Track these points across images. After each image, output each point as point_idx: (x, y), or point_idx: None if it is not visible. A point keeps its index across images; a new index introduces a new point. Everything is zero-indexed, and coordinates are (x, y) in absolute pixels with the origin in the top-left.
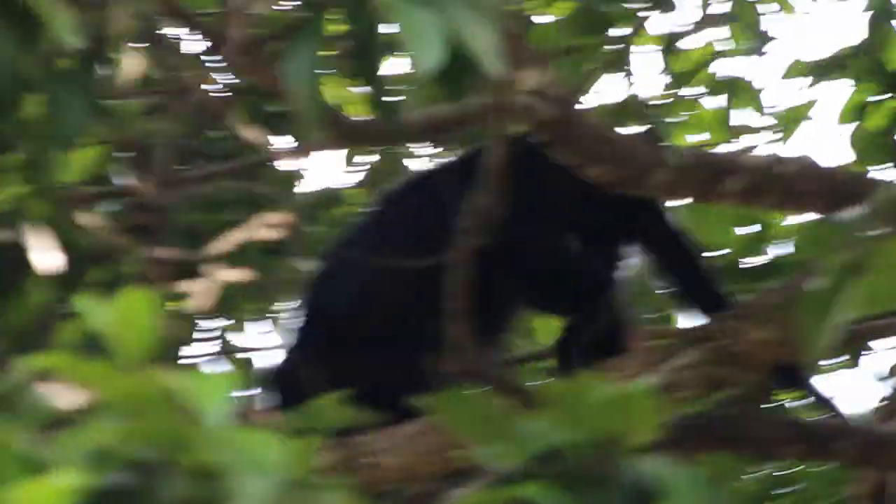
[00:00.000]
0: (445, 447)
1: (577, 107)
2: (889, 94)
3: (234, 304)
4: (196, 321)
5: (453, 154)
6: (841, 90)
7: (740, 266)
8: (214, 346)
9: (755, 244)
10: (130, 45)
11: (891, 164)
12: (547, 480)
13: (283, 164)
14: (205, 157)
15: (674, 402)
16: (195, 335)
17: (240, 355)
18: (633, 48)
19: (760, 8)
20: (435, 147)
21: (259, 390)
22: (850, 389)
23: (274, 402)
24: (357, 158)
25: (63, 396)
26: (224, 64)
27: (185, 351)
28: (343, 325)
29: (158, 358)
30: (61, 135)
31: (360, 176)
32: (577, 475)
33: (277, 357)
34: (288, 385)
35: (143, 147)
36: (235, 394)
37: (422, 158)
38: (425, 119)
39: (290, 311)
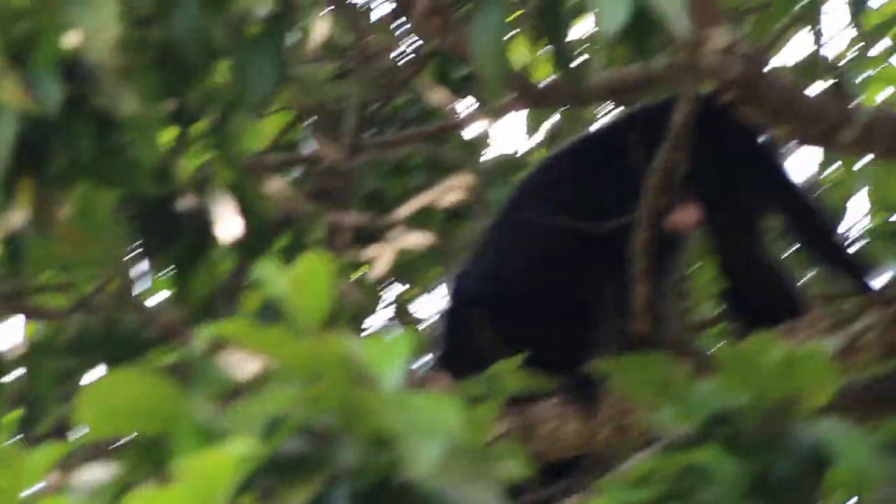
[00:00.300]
0: (622, 413)
1: (765, 65)
2: None
3: (417, 270)
4: (378, 288)
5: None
6: None
7: None
8: (393, 313)
9: None
10: (319, 10)
11: None
12: (720, 445)
13: (468, 129)
14: (391, 123)
15: (850, 366)
16: (378, 304)
17: (420, 323)
18: (822, 5)
19: None
20: (620, 108)
21: (430, 352)
22: None
23: (443, 359)
24: (541, 121)
25: (241, 365)
26: (411, 28)
27: (367, 320)
28: (516, 285)
29: (338, 325)
30: (248, 101)
31: (542, 139)
32: (750, 439)
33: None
34: (457, 344)
35: (330, 113)
36: (411, 359)
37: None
38: (610, 80)
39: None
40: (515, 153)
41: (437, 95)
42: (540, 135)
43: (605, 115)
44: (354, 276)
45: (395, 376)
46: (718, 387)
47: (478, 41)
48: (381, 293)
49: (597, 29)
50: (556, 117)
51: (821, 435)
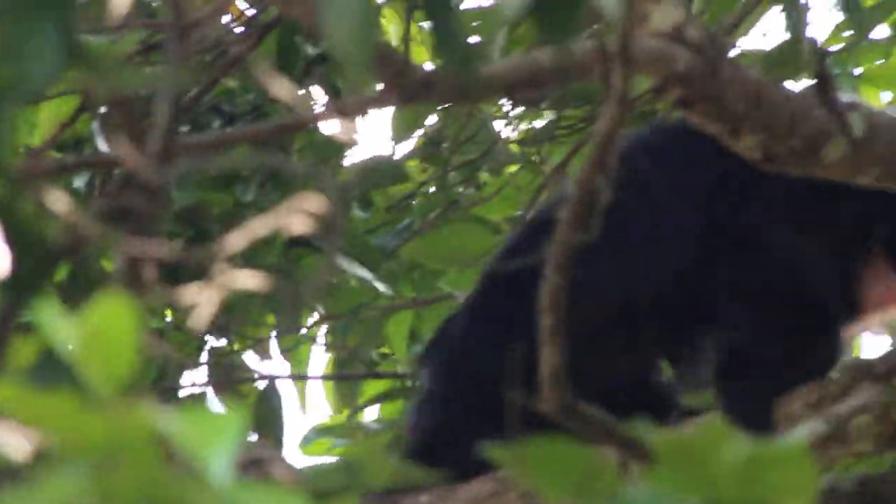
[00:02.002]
0: None
1: (723, 55)
2: None
3: (250, 318)
4: (201, 340)
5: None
6: None
7: None
8: (221, 374)
9: None
10: None
11: None
12: None
13: (323, 128)
14: (216, 117)
15: (834, 460)
16: (197, 359)
17: (254, 384)
18: None
19: None
20: (519, 106)
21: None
22: None
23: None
24: (414, 121)
25: (10, 441)
26: None
27: (183, 380)
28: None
29: (144, 390)
30: (24, 85)
31: (415, 143)
32: None
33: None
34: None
35: (131, 101)
36: (242, 438)
37: (503, 120)
38: (512, 70)
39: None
40: (389, 158)
41: (277, 84)
42: (411, 139)
43: (506, 115)
44: (161, 325)
45: (224, 462)
46: (659, 491)
47: (334, 9)
48: (199, 348)
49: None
50: (433, 117)
51: None
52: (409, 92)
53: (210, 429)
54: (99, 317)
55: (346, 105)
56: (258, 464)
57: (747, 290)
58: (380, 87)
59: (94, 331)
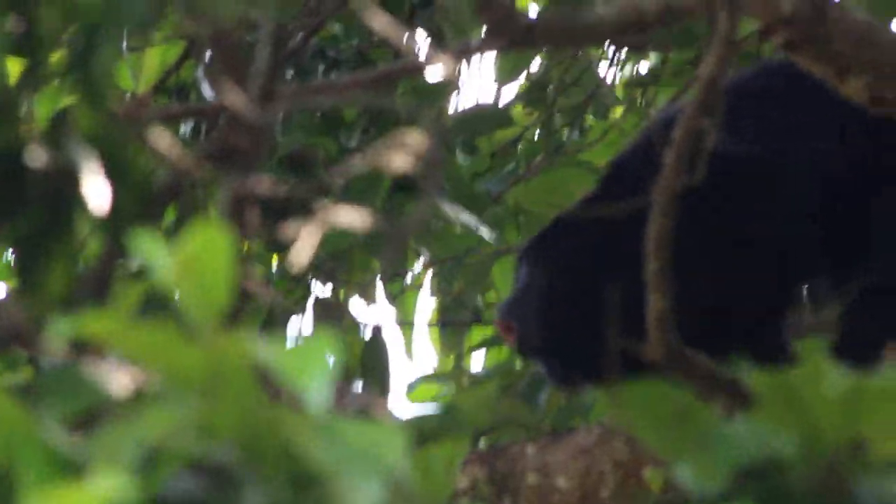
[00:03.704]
0: (632, 462)
1: None
2: None
3: (352, 258)
4: (307, 287)
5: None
6: None
7: None
8: (328, 320)
9: None
10: None
11: None
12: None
13: (425, 73)
14: (319, 62)
15: None
16: (299, 302)
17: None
18: None
19: None
20: (629, 51)
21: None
22: None
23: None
24: (517, 65)
25: (112, 375)
26: None
27: (284, 323)
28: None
29: (243, 324)
30: (120, 23)
31: (519, 87)
32: (799, 497)
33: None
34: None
35: (237, 45)
36: (339, 373)
37: (608, 63)
38: (618, 14)
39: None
40: (493, 104)
41: (382, 25)
42: (515, 83)
43: (611, 58)
44: (266, 265)
45: (321, 393)
46: (757, 428)
47: None
48: (303, 287)
49: None
50: (536, 61)
51: (893, 495)
52: (514, 36)
53: (307, 359)
54: (194, 246)
55: (451, 49)
56: (363, 410)
57: None
58: (485, 31)
59: (189, 260)
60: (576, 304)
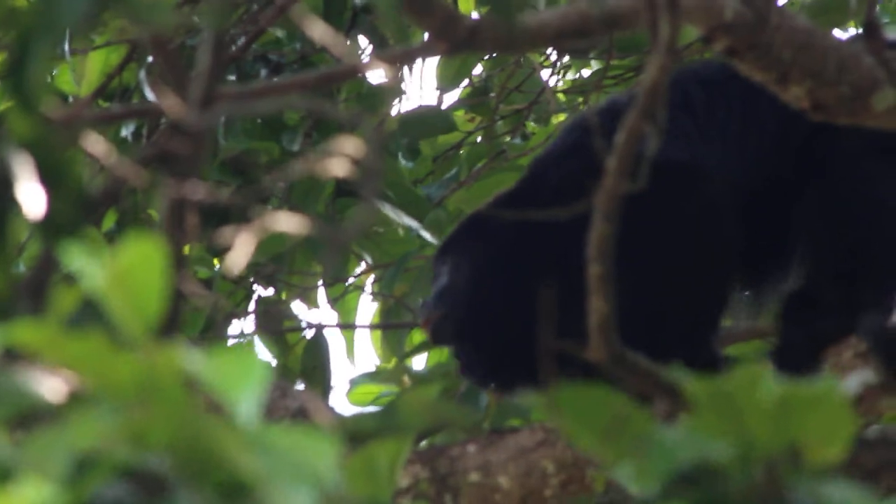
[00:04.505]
0: (578, 463)
1: (774, 2)
2: None
3: (289, 264)
4: (248, 290)
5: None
6: None
7: None
8: (269, 323)
9: None
10: None
11: None
12: None
13: (369, 78)
14: (265, 67)
15: (872, 413)
16: (245, 308)
17: (301, 334)
18: None
19: None
20: (571, 57)
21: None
22: None
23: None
24: (461, 70)
25: (44, 382)
26: None
27: (231, 329)
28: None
29: (176, 334)
30: (55, 26)
31: (461, 92)
32: (737, 499)
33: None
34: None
35: (175, 50)
36: (268, 380)
37: (550, 69)
38: (558, 19)
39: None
40: (436, 108)
41: (321, 33)
42: (457, 88)
43: (553, 64)
44: (209, 268)
45: (251, 402)
46: (693, 434)
47: None
48: (247, 297)
49: None
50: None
51: (827, 499)
52: (455, 41)
53: (238, 370)
54: (127, 257)
55: (392, 54)
56: (303, 412)
57: (837, 223)
58: (426, 36)
59: (122, 271)
60: (491, 296)
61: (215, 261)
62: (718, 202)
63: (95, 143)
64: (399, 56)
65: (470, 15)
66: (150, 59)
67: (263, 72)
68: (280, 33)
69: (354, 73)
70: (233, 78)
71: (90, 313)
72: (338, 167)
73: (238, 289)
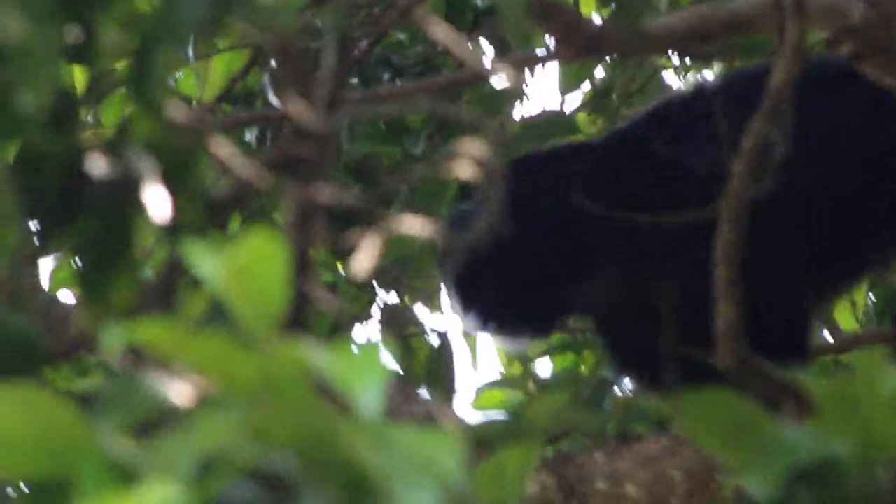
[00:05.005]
0: (705, 470)
1: None
2: None
3: (413, 268)
4: (372, 294)
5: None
6: None
7: None
8: (393, 327)
9: None
10: None
11: None
12: None
13: (493, 80)
14: (387, 70)
15: None
16: (361, 311)
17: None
18: None
19: None
20: (691, 60)
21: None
22: None
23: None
24: (581, 74)
25: (169, 383)
26: None
27: (355, 334)
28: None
29: (300, 332)
30: (178, 29)
31: (584, 96)
32: (859, 498)
33: None
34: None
35: (302, 53)
36: (391, 378)
37: (675, 74)
38: (686, 23)
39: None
40: (559, 111)
41: (444, 35)
42: (579, 91)
43: (680, 70)
44: (333, 272)
45: (375, 400)
46: (815, 433)
47: None
48: (369, 294)
49: None
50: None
51: None
52: (579, 46)
53: (361, 366)
54: (247, 255)
55: (517, 58)
56: (429, 417)
57: None
58: (549, 40)
59: (242, 268)
60: (517, 246)
61: (339, 265)
62: (808, 202)
63: (220, 147)
64: (523, 61)
65: (592, 19)
66: (272, 62)
67: (386, 75)
68: (402, 36)
69: (479, 78)
70: (355, 81)
71: (217, 316)
72: (462, 170)
73: (362, 293)
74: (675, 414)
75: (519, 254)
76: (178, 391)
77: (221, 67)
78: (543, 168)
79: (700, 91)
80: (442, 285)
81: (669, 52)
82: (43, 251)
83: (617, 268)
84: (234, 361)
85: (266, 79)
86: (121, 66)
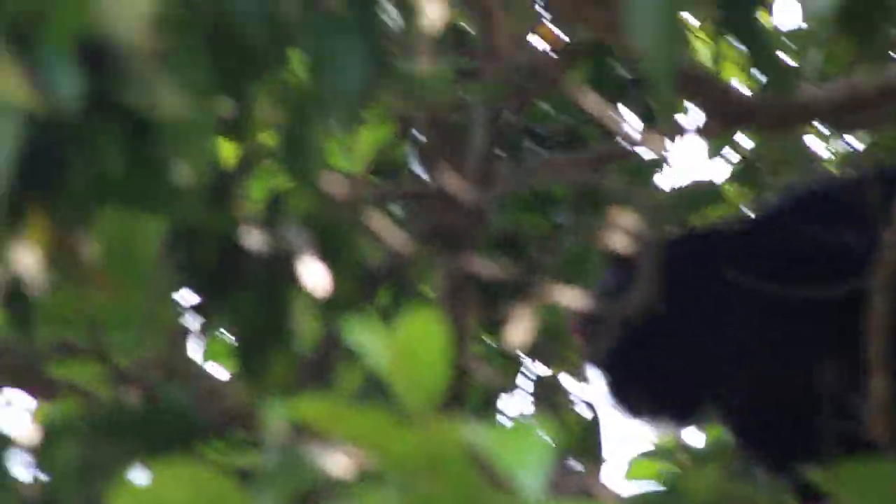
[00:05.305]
0: None
1: None
2: None
3: (565, 336)
4: (519, 364)
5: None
6: None
7: None
8: (544, 398)
9: None
10: None
11: None
12: None
13: (640, 150)
14: (532, 139)
15: None
16: (514, 383)
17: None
18: None
19: None
20: (841, 131)
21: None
22: None
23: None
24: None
25: (329, 459)
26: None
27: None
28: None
29: (459, 409)
30: (333, 103)
31: (733, 167)
32: None
33: None
34: None
35: (452, 127)
36: (556, 456)
37: (822, 145)
38: (836, 94)
39: None
40: (707, 181)
41: (593, 104)
42: (725, 161)
43: (826, 138)
44: (480, 345)
45: (537, 477)
46: None
47: (636, 26)
48: (516, 365)
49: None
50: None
51: None
52: (728, 119)
53: (523, 444)
54: (409, 332)
55: (665, 130)
56: (584, 491)
57: None
58: (702, 113)
59: (404, 346)
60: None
61: (488, 335)
62: None
63: (374, 219)
64: (672, 132)
65: (742, 91)
66: (418, 134)
67: (528, 143)
68: (545, 105)
69: (630, 152)
70: (498, 151)
71: (374, 390)
72: (614, 240)
73: (509, 364)
74: (834, 486)
75: (671, 334)
76: (338, 464)
77: (369, 138)
78: (697, 246)
79: (858, 176)
80: (587, 360)
81: (820, 123)
82: (205, 328)
83: (769, 347)
84: (395, 438)
85: (410, 150)
86: (268, 138)
